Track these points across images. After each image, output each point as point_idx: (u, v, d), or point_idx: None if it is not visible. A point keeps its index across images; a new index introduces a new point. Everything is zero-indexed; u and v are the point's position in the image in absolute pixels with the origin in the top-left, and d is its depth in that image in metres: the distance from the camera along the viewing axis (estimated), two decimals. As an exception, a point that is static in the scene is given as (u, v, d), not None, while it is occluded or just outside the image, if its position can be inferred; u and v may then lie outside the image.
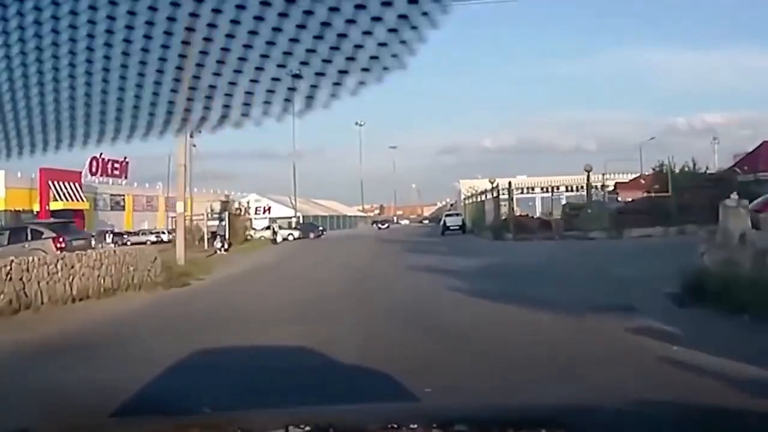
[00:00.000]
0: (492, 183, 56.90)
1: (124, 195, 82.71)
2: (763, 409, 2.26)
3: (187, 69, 2.03)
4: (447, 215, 70.99)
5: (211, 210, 50.08)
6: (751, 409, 2.23)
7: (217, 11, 1.96)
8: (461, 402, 3.21)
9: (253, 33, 1.98)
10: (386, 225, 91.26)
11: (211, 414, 3.19)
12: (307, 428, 2.22)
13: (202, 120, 2.10)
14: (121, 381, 7.34)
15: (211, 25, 1.97)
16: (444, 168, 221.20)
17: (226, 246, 45.06)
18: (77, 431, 2.25)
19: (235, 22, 1.98)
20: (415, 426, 2.18)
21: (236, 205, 54.52)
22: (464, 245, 44.30)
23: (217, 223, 48.03)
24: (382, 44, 1.95)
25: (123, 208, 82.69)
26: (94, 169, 70.94)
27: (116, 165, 74.25)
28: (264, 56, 2.02)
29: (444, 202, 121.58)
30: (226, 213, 48.67)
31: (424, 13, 1.90)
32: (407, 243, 47.88)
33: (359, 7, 1.90)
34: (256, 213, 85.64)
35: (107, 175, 73.71)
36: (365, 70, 2.00)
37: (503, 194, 53.45)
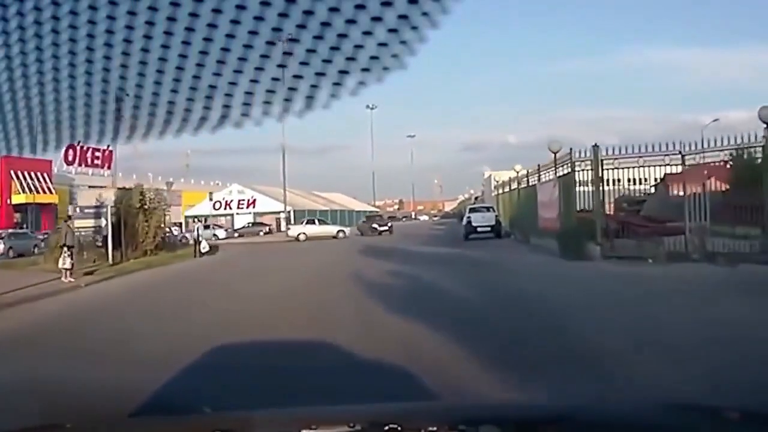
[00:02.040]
0: (517, 172, 35.13)
1: (107, 187, 76.73)
2: (762, 409, 2.25)
3: (188, 69, 2.04)
4: (472, 209, 41.04)
5: (100, 204, 28.78)
6: (750, 409, 2.22)
7: (217, 11, 1.96)
8: (462, 402, 3.20)
9: (253, 33, 1.98)
10: (387, 226, 53.69)
11: (211, 414, 3.20)
12: (308, 428, 2.23)
13: (202, 120, 2.12)
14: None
15: (211, 26, 1.98)
16: (466, 164, 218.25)
17: (75, 263, 21.35)
18: None
19: (235, 22, 1.98)
20: (416, 426, 2.18)
21: (152, 194, 32.14)
22: (523, 281, 16.02)
23: (100, 223, 28.33)
24: (383, 44, 1.95)
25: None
26: (70, 158, 59.54)
27: (97, 154, 61.33)
28: (264, 56, 2.02)
29: (468, 194, 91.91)
30: (108, 207, 27.89)
31: (424, 13, 1.90)
32: (397, 267, 20.43)
33: (359, 7, 1.90)
34: (238, 207, 72.86)
35: (87, 165, 61.02)
36: (365, 70, 2.00)
37: (583, 167, 22.77)
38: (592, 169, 20.66)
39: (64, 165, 56.33)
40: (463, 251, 26.01)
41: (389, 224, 55.79)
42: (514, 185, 35.17)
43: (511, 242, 32.22)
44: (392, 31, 1.93)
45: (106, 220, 27.71)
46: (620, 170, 20.61)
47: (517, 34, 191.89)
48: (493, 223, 36.41)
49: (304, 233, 48.50)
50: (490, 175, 62.59)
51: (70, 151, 55.88)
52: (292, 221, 57.82)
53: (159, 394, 5.61)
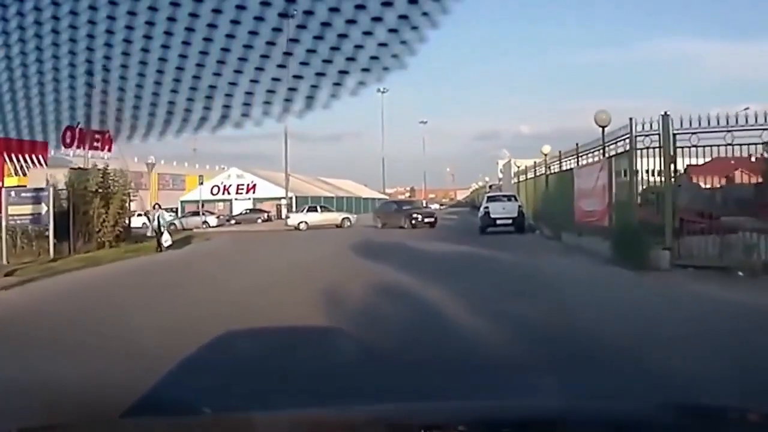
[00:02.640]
0: (545, 155, 30.34)
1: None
2: (762, 409, 2.25)
3: (188, 69, 2.04)
4: (491, 198, 34.55)
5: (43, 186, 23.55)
6: (750, 409, 2.22)
7: (217, 11, 1.96)
8: (463, 402, 3.18)
9: (253, 33, 1.98)
10: (431, 217, 40.51)
11: (211, 414, 3.22)
12: (308, 428, 2.24)
13: (202, 120, 2.12)
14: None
15: (211, 26, 1.98)
16: (479, 152, 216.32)
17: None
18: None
19: (235, 22, 1.98)
20: (416, 426, 2.18)
21: (113, 175, 27.45)
22: (582, 309, 9.37)
23: (39, 209, 22.70)
24: (383, 44, 1.94)
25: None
26: (68, 141, 57.51)
27: (98, 136, 56.04)
28: (264, 56, 2.02)
29: (483, 182, 79.79)
30: (50, 191, 23.03)
31: (424, 13, 1.90)
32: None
33: (359, 7, 1.89)
34: (237, 192, 67.37)
35: (86, 148, 56.29)
36: (365, 70, 2.00)
37: (645, 143, 15.25)
38: (658, 147, 14.43)
39: (62, 147, 53.88)
40: (481, 251, 19.25)
41: (434, 215, 40.89)
42: (541, 170, 29.24)
43: (537, 239, 25.22)
44: (392, 31, 1.93)
45: (47, 205, 22.30)
46: (699, 148, 14.19)
47: (531, 24, 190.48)
48: (515, 215, 30.19)
49: (305, 222, 42.85)
50: (509, 160, 51.38)
51: (68, 133, 53.21)
52: (294, 208, 52.26)
53: None
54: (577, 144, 20.91)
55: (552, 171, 26.46)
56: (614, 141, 16.64)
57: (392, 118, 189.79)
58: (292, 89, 2.08)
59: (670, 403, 2.42)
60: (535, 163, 31.35)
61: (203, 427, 2.41)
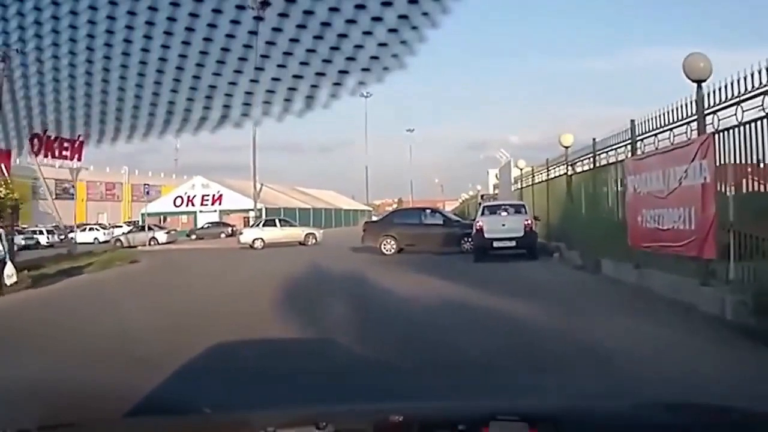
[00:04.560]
0: (566, 147, 20.09)
1: (74, 181, 70.91)
2: (761, 409, 2.26)
3: (188, 69, 2.04)
4: (488, 209, 23.20)
5: None
6: (750, 409, 2.23)
7: (217, 11, 1.96)
8: (462, 402, 3.16)
9: (252, 33, 1.98)
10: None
11: (211, 414, 3.19)
12: (308, 428, 2.23)
13: (202, 120, 2.11)
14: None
15: (211, 26, 1.98)
16: (468, 163, 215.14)
17: None
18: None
19: (235, 22, 1.98)
20: (415, 426, 2.18)
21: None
22: None
23: None
24: (383, 44, 1.95)
25: (73, 197, 72.72)
26: (35, 149, 55.31)
27: (66, 144, 53.58)
28: (264, 56, 2.02)
29: (474, 191, 61.61)
30: None
31: (425, 13, 1.90)
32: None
33: (359, 7, 1.90)
34: (202, 204, 61.43)
35: (54, 156, 54.06)
36: (365, 70, 2.00)
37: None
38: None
39: (28, 156, 51.01)
40: (474, 302, 10.92)
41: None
42: (558, 171, 21.10)
43: (558, 269, 17.02)
44: (392, 31, 1.93)
45: None
46: None
47: (520, 30, 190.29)
48: (522, 233, 20.79)
49: (260, 239, 37.03)
50: (508, 162, 39.53)
51: (36, 141, 50.34)
52: (253, 221, 45.37)
53: None
54: (632, 122, 12.72)
55: (576, 170, 18.48)
56: (721, 107, 9.14)
57: (379, 128, 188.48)
58: (292, 89, 2.09)
59: (669, 402, 2.43)
60: (547, 161, 22.97)
61: (203, 426, 2.39)
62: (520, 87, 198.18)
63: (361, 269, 17.87)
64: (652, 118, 11.73)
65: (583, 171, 17.64)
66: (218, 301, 12.68)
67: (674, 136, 10.90)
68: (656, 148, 11.66)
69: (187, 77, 2.10)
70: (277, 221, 40.16)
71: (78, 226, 54.29)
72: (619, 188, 13.94)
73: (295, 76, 2.07)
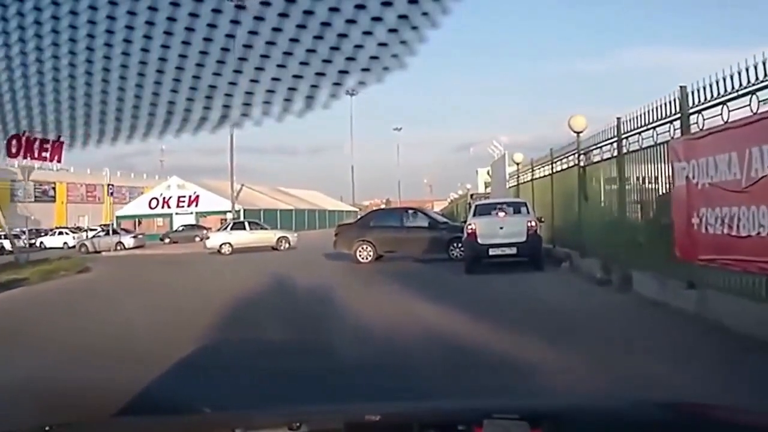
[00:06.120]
0: (578, 133, 16.28)
1: (54, 183, 65.10)
2: (761, 409, 2.28)
3: (188, 69, 2.03)
4: (480, 209, 18.50)
5: None
6: (749, 408, 2.24)
7: (217, 11, 1.96)
8: (462, 402, 3.15)
9: (253, 33, 1.99)
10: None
11: (211, 413, 3.18)
12: (307, 428, 2.23)
13: (202, 120, 2.11)
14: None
15: (211, 26, 1.98)
16: (457, 164, 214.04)
17: None
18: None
19: (235, 22, 1.98)
20: (415, 425, 2.18)
21: None
22: None
23: None
24: (383, 44, 1.96)
25: (53, 199, 67.05)
26: (13, 150, 53.77)
27: (46, 145, 50.67)
28: (264, 56, 2.03)
29: (464, 190, 60.93)
30: None
31: (424, 13, 1.91)
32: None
33: (359, 7, 1.91)
34: (178, 205, 58.83)
35: (33, 158, 52.00)
36: (365, 70, 2.01)
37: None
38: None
39: (7, 158, 49.36)
40: (470, 354, 7.37)
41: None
42: (567, 162, 17.73)
43: (575, 284, 13.63)
44: (392, 31, 1.94)
45: None
46: None
47: (509, 30, 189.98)
48: (524, 238, 17.10)
49: (228, 243, 34.85)
50: (503, 156, 34.96)
51: (14, 142, 49.09)
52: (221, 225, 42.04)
53: None
54: (682, 89, 9.37)
55: (592, 160, 15.13)
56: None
57: (368, 128, 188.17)
58: (292, 89, 2.09)
59: (669, 402, 2.45)
60: (551, 151, 19.45)
61: (203, 426, 2.39)
62: (509, 87, 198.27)
63: (324, 286, 15.05)
64: (715, 82, 8.27)
65: (602, 160, 14.23)
66: (135, 334, 9.77)
67: (760, 102, 7.49)
68: (725, 121, 8.18)
69: (187, 77, 2.10)
70: (246, 224, 37.65)
71: (50, 230, 53.53)
72: (661, 179, 10.73)
73: (295, 76, 2.07)
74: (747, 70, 7.49)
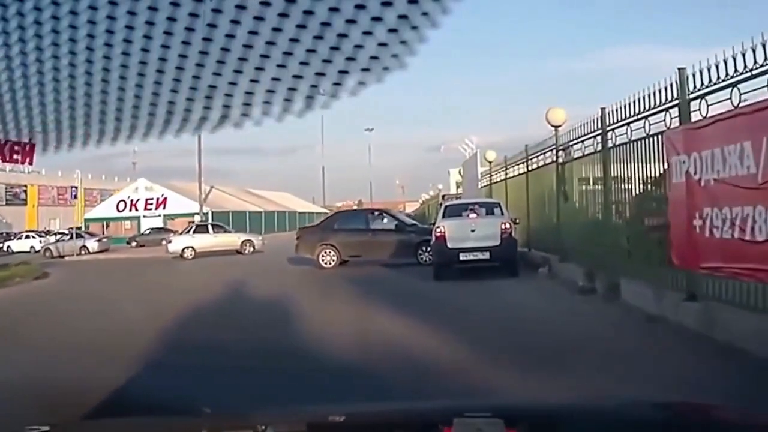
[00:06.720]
0: (555, 128, 15.33)
1: (26, 186, 65.04)
2: (761, 408, 2.30)
3: (188, 69, 2.02)
4: (450, 209, 17.43)
5: None
6: (749, 408, 2.26)
7: (217, 11, 1.95)
8: (462, 402, 3.15)
9: (253, 33, 1.98)
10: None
11: (210, 414, 3.17)
12: (307, 428, 2.23)
13: (202, 120, 2.10)
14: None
15: (211, 25, 1.97)
16: (429, 165, 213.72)
17: None
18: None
19: (235, 22, 1.98)
20: (415, 426, 2.19)
21: None
22: None
23: None
24: (383, 44, 1.96)
25: (24, 202, 66.12)
26: None
27: (17, 148, 48.73)
28: (264, 56, 2.02)
29: (436, 191, 60.28)
30: None
31: (424, 13, 1.92)
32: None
33: (359, 7, 1.91)
34: (146, 208, 57.64)
35: (4, 161, 50.10)
36: (365, 70, 2.01)
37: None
38: None
39: None
40: (437, 381, 6.31)
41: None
42: (545, 158, 16.56)
43: (558, 293, 12.50)
44: (392, 31, 1.95)
45: None
46: None
47: (482, 29, 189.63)
48: (497, 241, 15.93)
49: (190, 247, 33.58)
50: (475, 154, 33.04)
51: None
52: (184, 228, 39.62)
53: None
54: (680, 71, 8.38)
55: (572, 156, 14.15)
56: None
57: (340, 130, 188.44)
58: (291, 89, 2.09)
59: (668, 402, 2.46)
60: (526, 148, 18.39)
61: (202, 426, 2.38)
62: (481, 88, 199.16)
63: (282, 295, 14.07)
64: (723, 61, 7.17)
65: (584, 155, 13.15)
66: (78, 346, 9.36)
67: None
68: (736, 106, 7.01)
69: (187, 77, 2.09)
70: (209, 227, 36.73)
71: (18, 234, 52.87)
72: (653, 175, 9.77)
73: (295, 76, 2.07)
74: (764, 45, 6.35)
